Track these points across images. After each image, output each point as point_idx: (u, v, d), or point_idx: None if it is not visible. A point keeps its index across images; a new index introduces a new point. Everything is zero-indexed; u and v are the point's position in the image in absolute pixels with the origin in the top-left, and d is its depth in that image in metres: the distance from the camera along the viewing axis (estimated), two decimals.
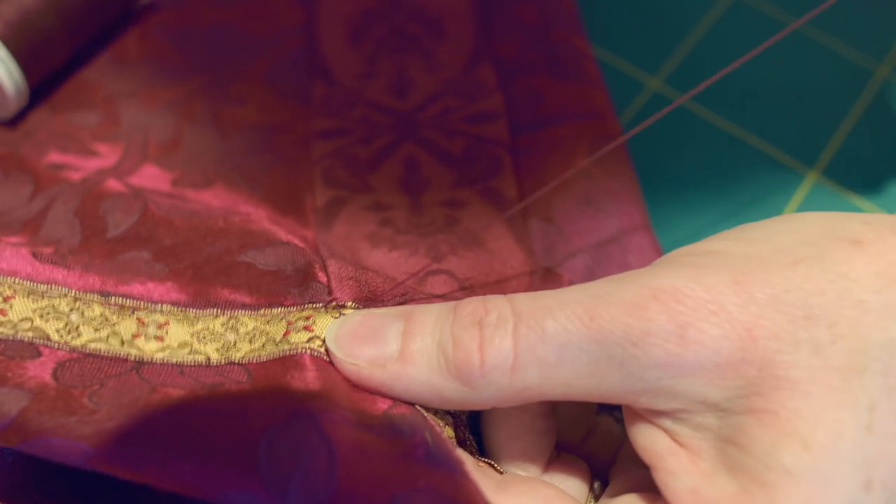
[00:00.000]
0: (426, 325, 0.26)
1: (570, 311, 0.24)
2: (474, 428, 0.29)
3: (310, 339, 0.27)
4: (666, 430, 0.24)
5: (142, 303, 0.29)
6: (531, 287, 0.32)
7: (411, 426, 0.25)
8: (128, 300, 0.29)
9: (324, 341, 0.27)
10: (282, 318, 0.28)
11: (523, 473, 0.28)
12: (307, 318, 0.28)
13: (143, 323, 0.28)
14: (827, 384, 0.23)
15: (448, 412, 0.27)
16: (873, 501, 0.23)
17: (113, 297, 0.29)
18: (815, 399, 0.23)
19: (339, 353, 0.26)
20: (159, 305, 0.29)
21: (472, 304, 0.25)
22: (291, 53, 0.40)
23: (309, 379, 0.26)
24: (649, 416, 0.25)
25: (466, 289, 0.31)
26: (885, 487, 0.23)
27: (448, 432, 0.27)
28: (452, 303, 0.26)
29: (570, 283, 0.33)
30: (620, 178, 0.36)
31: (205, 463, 0.23)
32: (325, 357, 0.27)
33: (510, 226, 0.34)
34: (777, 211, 0.41)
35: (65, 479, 0.27)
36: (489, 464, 0.28)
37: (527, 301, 0.25)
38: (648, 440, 0.25)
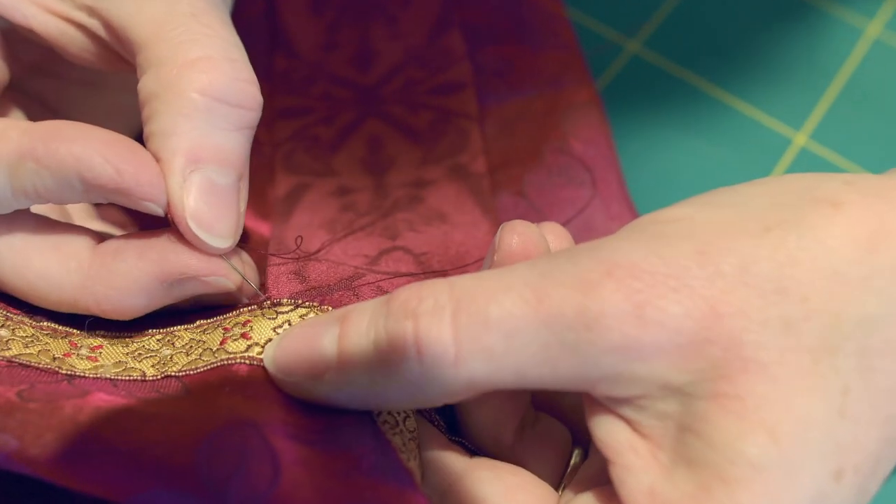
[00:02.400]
0: (361, 324, 0.23)
1: (516, 294, 0.22)
2: None
3: (248, 348, 0.26)
4: (626, 420, 0.23)
5: (75, 329, 0.28)
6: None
7: (356, 438, 0.24)
8: (60, 325, 0.28)
9: (263, 348, 0.26)
10: (217, 326, 0.27)
11: (494, 443, 0.27)
12: (244, 325, 0.27)
13: (76, 346, 0.27)
14: (797, 367, 0.21)
15: None
16: (845, 491, 0.21)
17: (45, 322, 0.27)
18: (784, 384, 0.21)
19: (278, 374, 0.25)
20: (94, 332, 0.28)
21: (405, 293, 0.23)
22: (252, 23, 0.39)
23: (248, 392, 0.24)
24: (609, 404, 0.23)
25: (423, 264, 0.30)
26: (857, 473, 0.22)
27: (409, 424, 0.26)
28: (388, 295, 0.24)
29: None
30: (596, 146, 0.35)
31: (140, 462, 0.22)
32: (263, 365, 0.26)
33: (478, 200, 0.33)
34: (763, 175, 0.39)
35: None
36: (459, 442, 0.27)
37: (468, 284, 0.23)
38: (607, 433, 0.23)
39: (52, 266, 0.26)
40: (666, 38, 0.43)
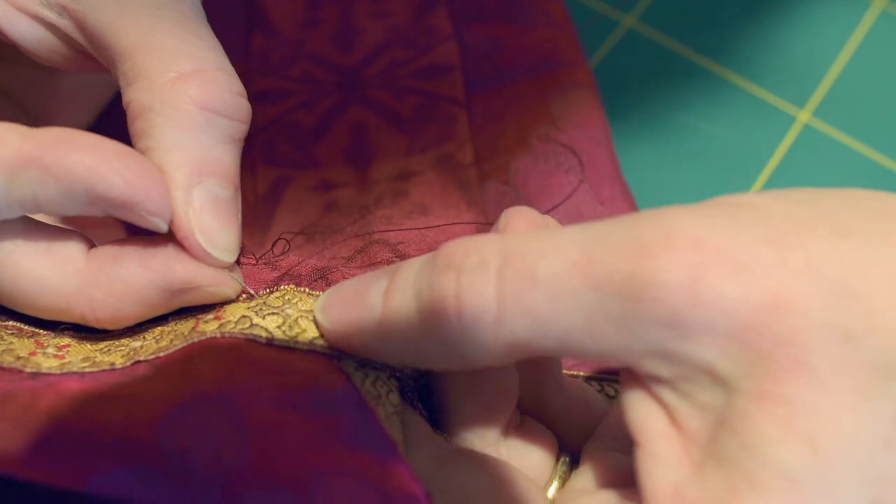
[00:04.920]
0: (408, 278, 0.23)
1: (565, 255, 0.21)
2: (427, 390, 0.27)
3: (220, 326, 0.25)
4: (665, 405, 0.22)
5: (42, 329, 0.27)
6: None
7: (337, 405, 0.23)
8: (26, 325, 0.27)
9: (236, 323, 0.25)
10: (190, 316, 0.27)
11: (478, 441, 0.26)
12: (217, 310, 0.26)
13: (43, 345, 0.26)
14: (850, 381, 0.19)
15: (393, 375, 0.26)
16: None
17: (11, 322, 0.27)
18: (834, 396, 0.19)
19: (323, 322, 0.25)
20: (61, 332, 0.27)
21: (452, 246, 0.22)
22: (227, 0, 0.37)
23: (221, 362, 0.24)
24: (650, 383, 0.22)
25: (400, 253, 0.29)
26: None
27: (393, 398, 0.25)
28: (437, 250, 0.23)
29: None
30: (586, 130, 0.34)
31: (95, 443, 0.21)
32: (238, 337, 0.25)
33: (463, 193, 0.32)
34: (767, 154, 0.38)
35: None
36: (440, 436, 0.27)
37: (517, 240, 0.22)
38: (642, 414, 0.22)
39: (46, 270, 0.25)
40: (663, 12, 0.41)
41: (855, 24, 0.41)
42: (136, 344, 0.26)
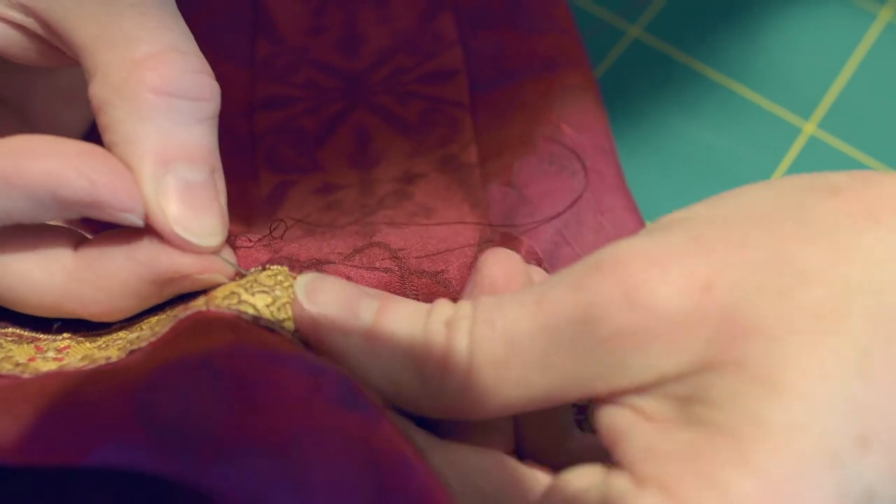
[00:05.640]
0: (402, 312, 0.24)
1: (520, 302, 0.22)
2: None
3: (208, 301, 0.25)
4: (630, 407, 0.22)
5: (41, 334, 0.27)
6: (479, 255, 0.29)
7: (325, 368, 0.22)
8: (25, 331, 0.27)
9: (226, 297, 0.25)
10: (185, 301, 0.26)
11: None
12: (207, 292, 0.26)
13: (42, 350, 0.26)
14: (799, 326, 0.20)
15: None
16: (872, 464, 0.20)
17: (10, 328, 0.27)
18: (786, 342, 0.20)
19: (306, 303, 0.24)
20: (60, 335, 0.27)
21: (443, 306, 0.24)
22: (234, 8, 0.37)
23: (206, 330, 0.23)
24: (611, 398, 0.22)
25: (399, 259, 0.29)
26: (889, 452, 0.20)
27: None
28: (428, 305, 0.24)
29: (531, 249, 0.30)
30: (590, 134, 0.34)
31: (81, 419, 0.21)
32: (224, 312, 0.24)
33: (467, 194, 0.32)
34: (773, 166, 0.38)
35: None
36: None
37: (488, 300, 0.23)
38: (609, 418, 0.22)
39: (33, 269, 0.25)
40: (669, 22, 0.41)
41: (860, 36, 0.41)
42: (133, 335, 0.26)
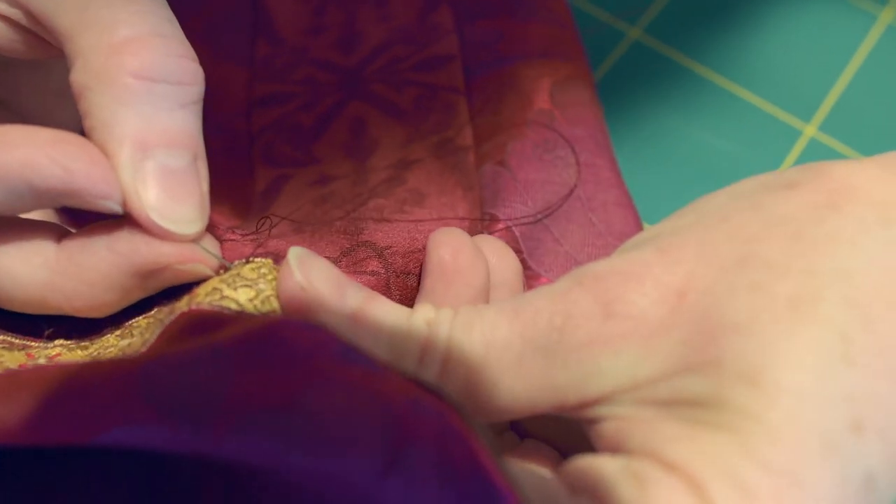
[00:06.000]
0: (388, 305, 0.24)
1: (498, 309, 0.23)
2: None
3: (190, 300, 0.25)
4: (612, 417, 0.22)
5: (32, 341, 0.26)
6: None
7: (321, 329, 0.22)
8: (17, 338, 0.26)
9: (208, 294, 0.24)
10: (172, 300, 0.26)
11: None
12: (194, 288, 0.26)
13: (34, 357, 0.26)
14: (773, 318, 0.20)
15: None
16: (868, 449, 0.20)
17: (1, 335, 0.26)
18: (762, 335, 0.20)
19: (296, 270, 0.24)
20: (51, 343, 0.27)
21: (426, 307, 0.25)
22: (233, 7, 0.37)
23: (190, 325, 0.23)
24: (588, 414, 0.22)
25: (386, 260, 0.29)
26: (884, 436, 0.20)
27: None
28: (409, 309, 0.25)
29: (510, 231, 0.30)
30: (586, 126, 0.33)
31: (87, 399, 0.20)
32: (206, 309, 0.24)
33: (461, 178, 0.32)
34: (773, 168, 0.38)
35: None
36: None
37: (468, 307, 0.24)
38: (598, 437, 0.22)
39: (16, 264, 0.25)
40: (669, 24, 0.41)
41: (861, 39, 0.41)
42: (124, 342, 0.26)
